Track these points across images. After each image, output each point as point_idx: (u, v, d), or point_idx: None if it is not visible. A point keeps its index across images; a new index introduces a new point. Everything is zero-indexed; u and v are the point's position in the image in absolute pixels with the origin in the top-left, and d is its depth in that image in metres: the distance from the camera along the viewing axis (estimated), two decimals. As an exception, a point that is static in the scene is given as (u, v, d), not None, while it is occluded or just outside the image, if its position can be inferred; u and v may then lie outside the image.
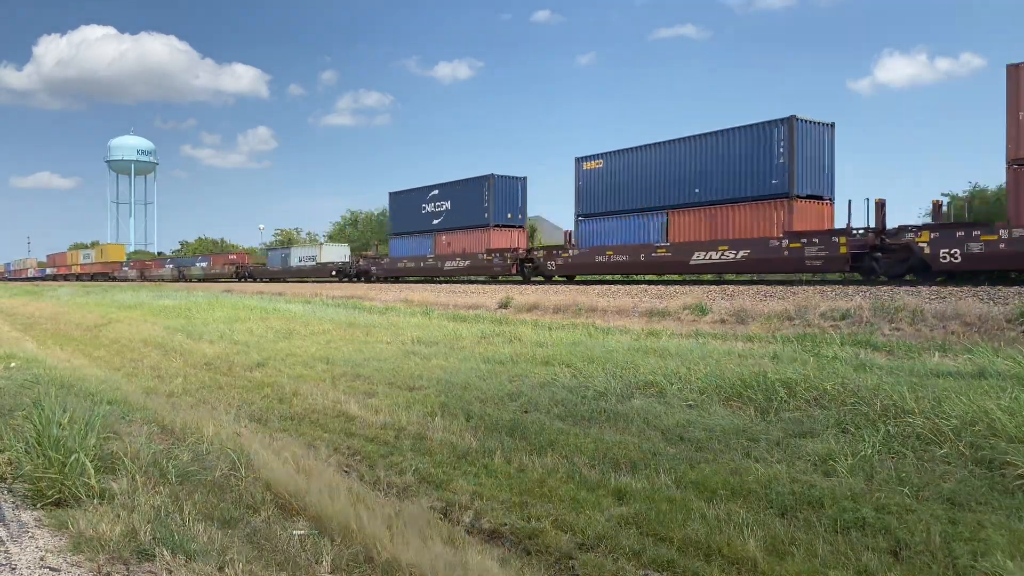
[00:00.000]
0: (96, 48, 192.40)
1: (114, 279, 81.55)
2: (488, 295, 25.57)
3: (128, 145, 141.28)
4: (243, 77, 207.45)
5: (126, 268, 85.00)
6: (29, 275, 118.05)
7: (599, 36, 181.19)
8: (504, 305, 23.07)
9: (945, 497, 5.61)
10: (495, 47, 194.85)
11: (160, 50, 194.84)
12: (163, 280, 72.83)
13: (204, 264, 69.26)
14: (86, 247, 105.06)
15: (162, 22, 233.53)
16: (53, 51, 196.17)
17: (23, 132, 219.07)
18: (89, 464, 4.93)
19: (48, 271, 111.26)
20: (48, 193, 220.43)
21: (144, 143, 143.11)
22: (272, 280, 56.46)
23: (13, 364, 11.94)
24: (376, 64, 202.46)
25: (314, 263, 50.92)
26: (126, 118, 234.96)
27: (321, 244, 54.65)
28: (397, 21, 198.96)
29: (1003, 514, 5.24)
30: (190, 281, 66.75)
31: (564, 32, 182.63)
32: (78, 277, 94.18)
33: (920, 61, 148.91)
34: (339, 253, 51.11)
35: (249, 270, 61.61)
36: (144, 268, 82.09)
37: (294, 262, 53.83)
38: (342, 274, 47.26)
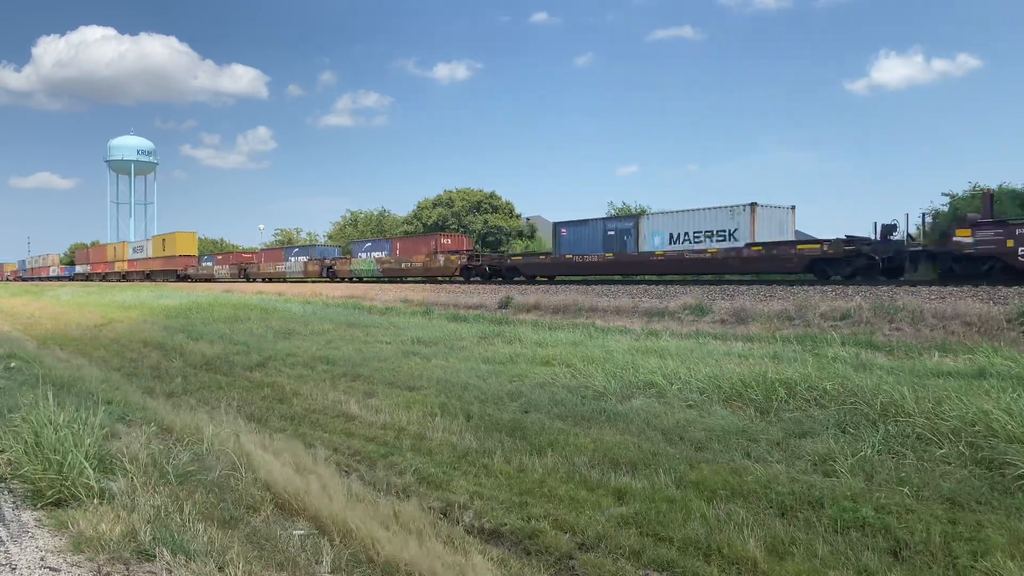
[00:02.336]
0: (95, 49, 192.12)
1: (187, 278, 59.77)
2: (488, 294, 25.58)
3: (128, 145, 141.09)
4: (242, 78, 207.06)
5: (208, 263, 60.38)
6: (52, 274, 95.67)
7: (597, 37, 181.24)
8: (504, 305, 23.08)
9: (945, 497, 5.61)
10: (493, 48, 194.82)
11: (160, 51, 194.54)
12: (290, 279, 48.87)
13: (381, 253, 41.62)
14: (140, 242, 76.02)
15: (162, 23, 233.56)
16: (52, 52, 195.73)
17: (23, 132, 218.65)
18: (87, 465, 4.93)
19: (78, 269, 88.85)
20: (48, 193, 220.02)
21: (144, 143, 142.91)
22: (580, 278, 29.93)
23: (13, 364, 11.94)
24: (375, 65, 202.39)
25: (728, 247, 24.28)
26: (126, 119, 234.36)
27: (756, 205, 24.45)
28: (395, 22, 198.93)
29: (1003, 514, 5.25)
30: (345, 280, 43.50)
31: (562, 33, 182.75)
32: (124, 276, 71.57)
33: (916, 62, 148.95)
34: (779, 222, 25.06)
35: (506, 266, 33.30)
36: (245, 263, 56.22)
37: (650, 244, 26.64)
38: (856, 268, 21.18)
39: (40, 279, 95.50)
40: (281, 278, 50.35)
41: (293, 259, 50.16)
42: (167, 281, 60.35)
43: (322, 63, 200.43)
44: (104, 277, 77.82)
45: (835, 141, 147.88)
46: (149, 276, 67.28)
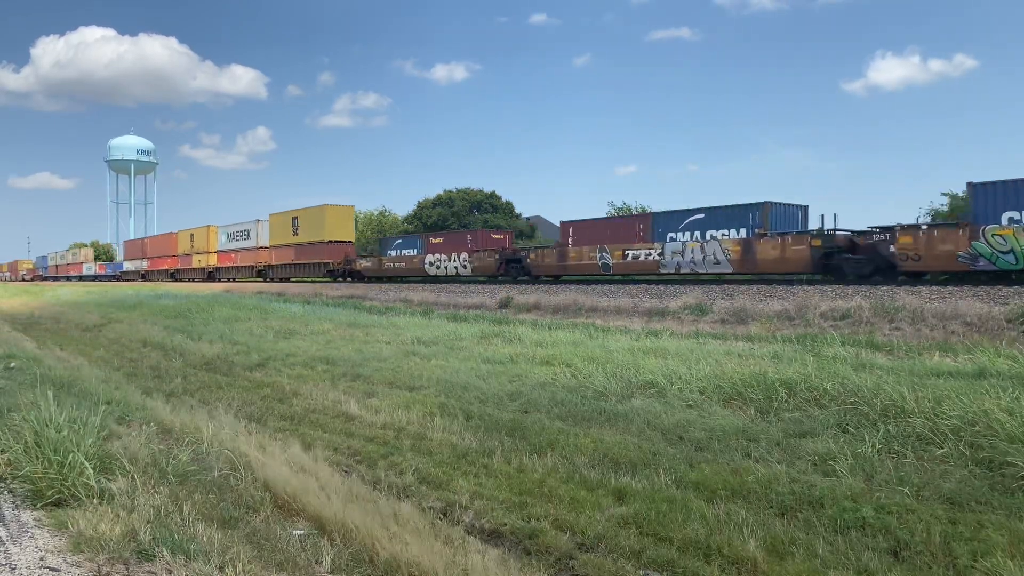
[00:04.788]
0: (94, 49, 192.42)
1: (353, 276, 38.59)
2: (488, 295, 25.56)
3: (128, 145, 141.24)
4: (242, 78, 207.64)
5: (410, 250, 35.81)
6: (87, 273, 77.67)
7: (595, 38, 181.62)
8: (504, 305, 23.07)
9: (945, 497, 5.61)
10: (492, 49, 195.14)
11: (159, 52, 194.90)
12: (688, 276, 24.03)
13: None
14: (243, 225, 50.44)
15: (161, 24, 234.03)
16: (51, 52, 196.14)
17: (22, 133, 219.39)
18: (88, 465, 4.92)
19: (127, 267, 69.75)
20: (48, 193, 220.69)
21: (144, 143, 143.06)
22: None
23: (13, 364, 11.93)
24: (373, 66, 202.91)
25: None
26: (125, 119, 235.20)
27: None
28: (394, 23, 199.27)
29: (1003, 514, 5.24)
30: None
31: (560, 34, 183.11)
32: (211, 275, 51.51)
33: (913, 63, 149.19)
34: None
35: None
36: (509, 251, 31.55)
37: None
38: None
39: (68, 279, 78.58)
40: (650, 272, 24.43)
41: (684, 236, 23.61)
42: (312, 280, 40.37)
43: (321, 63, 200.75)
44: (173, 276, 58.09)
45: (835, 141, 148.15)
46: (262, 274, 45.90)
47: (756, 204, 22.55)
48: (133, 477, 5.05)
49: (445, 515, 6.13)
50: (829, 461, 6.46)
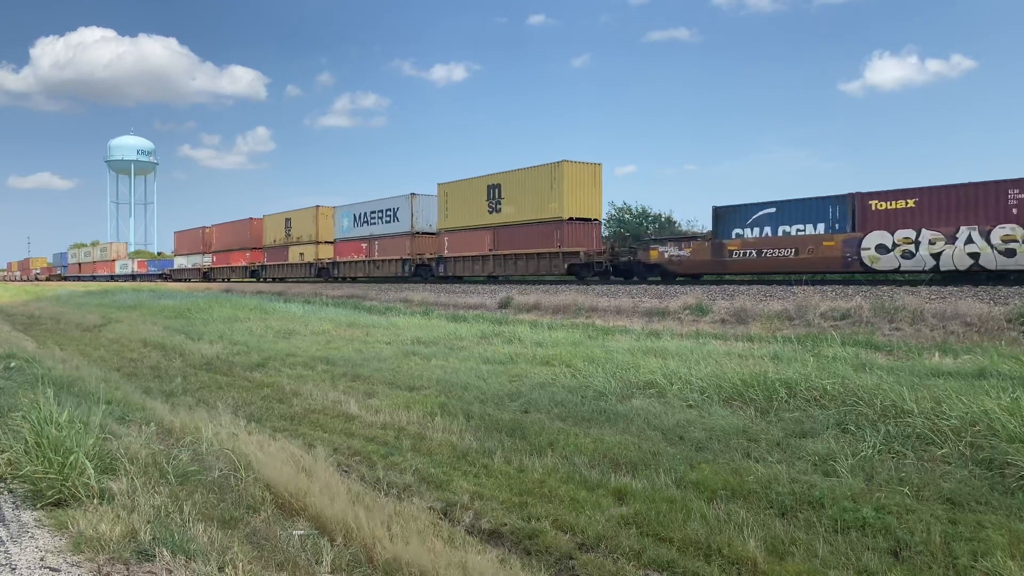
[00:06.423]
0: (94, 50, 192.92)
1: (641, 272, 25.81)
2: (488, 295, 25.54)
3: (128, 145, 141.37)
4: (241, 79, 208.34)
5: (939, 238, 16.88)
6: (121, 272, 67.71)
7: (593, 39, 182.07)
8: (504, 305, 23.06)
9: (945, 497, 5.61)
10: (490, 50, 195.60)
11: (159, 52, 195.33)
12: None
13: None
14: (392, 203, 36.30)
15: (161, 24, 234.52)
16: (50, 53, 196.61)
17: (22, 133, 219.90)
18: (88, 464, 4.92)
19: (180, 263, 57.13)
20: (48, 193, 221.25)
21: (144, 143, 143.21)
22: None
23: (13, 364, 11.92)
24: (372, 66, 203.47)
25: None
26: (125, 119, 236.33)
27: None
28: (393, 24, 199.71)
29: (1003, 514, 5.24)
30: None
31: (558, 35, 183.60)
32: (323, 271, 40.78)
33: (910, 63, 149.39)
34: None
35: None
36: None
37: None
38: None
39: (95, 279, 68.24)
40: None
41: None
42: (545, 280, 28.76)
43: (320, 64, 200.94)
44: (255, 275, 46.36)
45: (834, 141, 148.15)
46: (423, 269, 33.68)
47: None
48: (133, 477, 5.04)
49: (445, 515, 6.13)
50: (829, 461, 6.45)
